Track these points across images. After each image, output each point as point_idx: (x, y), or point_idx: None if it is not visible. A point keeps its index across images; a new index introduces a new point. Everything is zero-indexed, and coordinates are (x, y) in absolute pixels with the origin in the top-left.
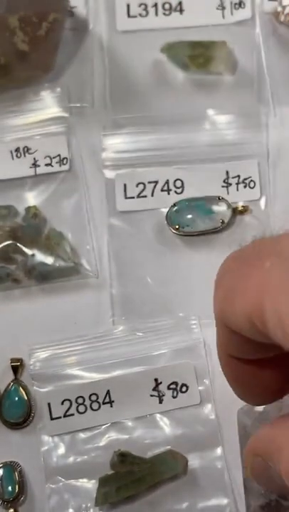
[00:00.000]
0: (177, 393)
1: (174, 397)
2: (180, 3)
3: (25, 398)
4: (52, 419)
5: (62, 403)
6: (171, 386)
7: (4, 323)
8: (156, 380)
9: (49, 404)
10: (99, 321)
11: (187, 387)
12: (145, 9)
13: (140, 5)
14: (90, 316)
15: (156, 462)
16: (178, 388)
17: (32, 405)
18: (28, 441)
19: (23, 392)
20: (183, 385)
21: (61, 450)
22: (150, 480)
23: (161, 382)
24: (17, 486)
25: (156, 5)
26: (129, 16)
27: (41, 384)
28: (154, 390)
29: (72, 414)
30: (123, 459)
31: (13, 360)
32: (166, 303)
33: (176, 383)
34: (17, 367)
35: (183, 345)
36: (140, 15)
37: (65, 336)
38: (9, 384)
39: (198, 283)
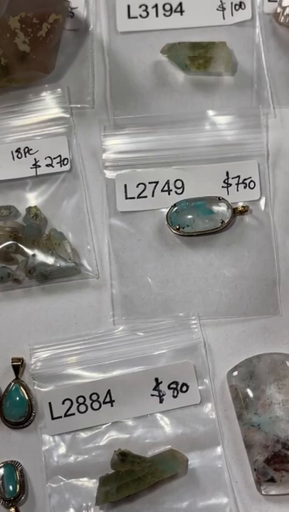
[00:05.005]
0: (177, 393)
1: (174, 396)
2: (180, 4)
3: (26, 398)
4: (53, 418)
5: (63, 403)
6: (172, 386)
7: (5, 323)
8: (156, 379)
9: (50, 404)
10: (99, 321)
11: (187, 386)
12: (145, 10)
13: (140, 6)
14: (91, 316)
15: (156, 461)
16: (178, 388)
17: (33, 405)
18: (29, 441)
19: (24, 392)
20: (183, 384)
21: (62, 449)
22: (150, 479)
23: (161, 382)
24: (18, 486)
25: (156, 6)
26: (129, 16)
27: (42, 384)
28: (154, 389)
29: (73, 414)
30: (123, 458)
31: (14, 359)
32: (166, 302)
33: (176, 383)
34: (18, 366)
35: (183, 345)
36: (140, 16)
37: (66, 335)
38: (10, 384)
39: (199, 283)
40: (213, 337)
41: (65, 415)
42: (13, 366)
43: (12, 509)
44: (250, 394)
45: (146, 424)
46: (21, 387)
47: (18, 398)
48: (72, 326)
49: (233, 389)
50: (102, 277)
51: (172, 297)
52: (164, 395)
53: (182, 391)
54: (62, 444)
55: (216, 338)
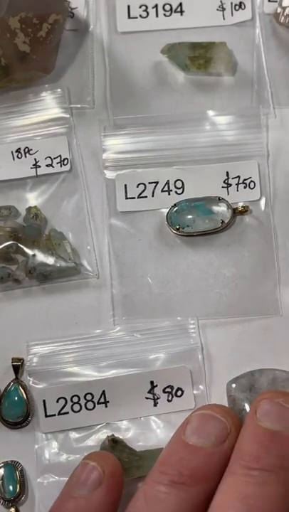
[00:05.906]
0: (172, 397)
1: (168, 400)
2: (180, 5)
3: (25, 398)
4: (46, 416)
5: (57, 401)
6: (167, 389)
7: (5, 323)
8: (151, 382)
9: (44, 402)
10: (99, 321)
11: (182, 391)
12: (145, 10)
13: (140, 6)
14: (91, 316)
15: (145, 457)
16: (173, 392)
17: (31, 405)
18: (28, 441)
19: (23, 392)
20: (178, 389)
21: (54, 448)
22: (135, 472)
23: (156, 385)
24: (18, 486)
25: (156, 6)
26: (129, 17)
27: (37, 381)
28: (149, 392)
29: (67, 413)
30: (113, 445)
31: (14, 359)
32: (166, 303)
33: (171, 387)
34: (18, 366)
35: (180, 349)
36: (140, 16)
37: (65, 335)
38: (9, 383)
39: (199, 283)
40: (213, 337)
41: (59, 414)
42: (13, 366)
43: (12, 509)
44: (247, 408)
45: (139, 427)
46: (20, 387)
47: (16, 398)
48: (72, 326)
49: (232, 399)
50: (102, 277)
51: (172, 297)
52: (158, 398)
53: (177, 395)
54: (54, 442)
55: (215, 339)
